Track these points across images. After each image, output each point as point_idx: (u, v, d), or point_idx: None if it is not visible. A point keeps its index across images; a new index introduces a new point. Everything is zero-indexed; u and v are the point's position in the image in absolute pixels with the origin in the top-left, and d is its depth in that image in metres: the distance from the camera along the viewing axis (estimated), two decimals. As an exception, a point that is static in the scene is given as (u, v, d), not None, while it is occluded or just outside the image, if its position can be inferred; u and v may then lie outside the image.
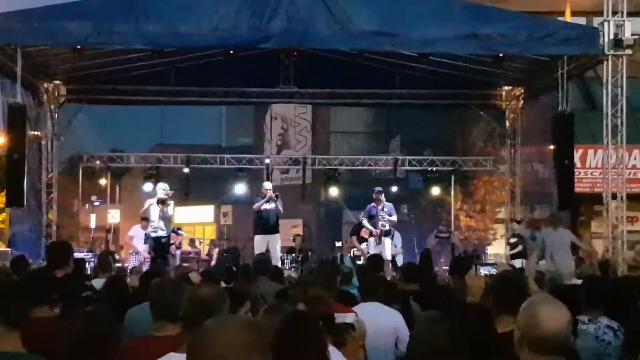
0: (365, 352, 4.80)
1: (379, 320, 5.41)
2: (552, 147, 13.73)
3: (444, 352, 3.54)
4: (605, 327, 4.87)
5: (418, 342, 3.78)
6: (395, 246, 15.96)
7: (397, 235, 16.20)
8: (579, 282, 7.00)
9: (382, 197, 15.68)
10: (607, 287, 5.68)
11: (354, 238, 16.67)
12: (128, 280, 8.15)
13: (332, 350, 4.12)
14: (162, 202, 14.26)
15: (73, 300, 4.93)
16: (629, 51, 12.05)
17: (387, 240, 15.28)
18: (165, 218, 14.57)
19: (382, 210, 15.44)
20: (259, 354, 1.91)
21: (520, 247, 14.67)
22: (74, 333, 3.99)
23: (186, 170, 18.20)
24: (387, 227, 15.34)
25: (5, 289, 3.69)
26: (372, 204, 15.70)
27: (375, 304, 5.81)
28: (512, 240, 15.61)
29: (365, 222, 15.67)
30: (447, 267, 11.45)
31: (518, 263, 13.74)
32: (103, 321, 4.13)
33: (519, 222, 15.70)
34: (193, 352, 1.95)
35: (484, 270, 12.07)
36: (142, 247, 15.15)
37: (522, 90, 16.07)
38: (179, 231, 17.72)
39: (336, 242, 18.50)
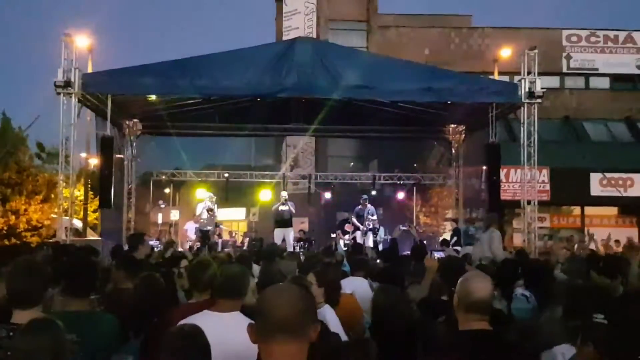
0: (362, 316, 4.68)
1: (361, 290, 5.36)
2: (484, 167, 13.79)
3: (393, 310, 3.64)
4: (521, 295, 4.88)
5: (376, 305, 3.86)
6: (381, 237, 15.96)
7: (382, 229, 16.22)
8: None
9: (367, 202, 15.73)
10: (522, 266, 5.71)
11: (339, 232, 16.74)
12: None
13: (327, 308, 4.12)
14: (210, 210, 14.71)
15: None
16: (539, 100, 12.13)
17: (370, 234, 15.37)
18: (212, 217, 14.93)
19: (368, 212, 15.51)
20: (310, 314, 1.87)
21: (455, 238, 14.68)
22: (140, 297, 4.02)
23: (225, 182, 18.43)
24: (372, 226, 15.44)
25: (80, 269, 3.59)
26: (359, 206, 15.74)
27: (360, 279, 5.80)
28: (451, 234, 15.68)
29: (354, 219, 15.73)
30: (408, 252, 11.40)
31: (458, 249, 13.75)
32: (162, 288, 4.14)
33: (455, 220, 15.79)
34: (260, 310, 1.84)
35: (437, 255, 12.09)
36: (193, 237, 15.54)
37: (464, 127, 16.11)
38: (221, 226, 17.79)
39: (332, 234, 18.54)
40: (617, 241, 16.13)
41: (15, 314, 2.85)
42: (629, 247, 10.29)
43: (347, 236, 16.00)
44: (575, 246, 12.86)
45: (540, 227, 14.93)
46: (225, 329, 2.92)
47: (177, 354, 2.46)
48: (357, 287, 5.33)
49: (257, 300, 1.97)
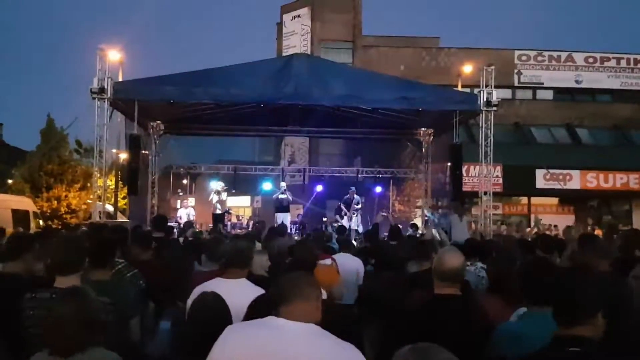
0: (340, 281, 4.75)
1: (348, 264, 5.36)
2: (449, 164, 13.76)
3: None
4: (480, 268, 4.89)
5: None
6: (357, 222, 15.89)
7: (358, 217, 16.13)
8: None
9: (354, 193, 15.68)
10: (480, 245, 5.73)
11: (337, 216, 16.67)
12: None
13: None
14: (217, 192, 14.57)
15: (165, 249, 4.85)
16: (494, 108, 12.12)
17: (354, 218, 15.33)
18: (221, 203, 14.87)
19: (354, 201, 15.46)
20: (317, 288, 2.11)
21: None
22: (165, 269, 3.96)
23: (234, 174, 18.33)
24: (357, 213, 15.40)
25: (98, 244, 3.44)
26: (347, 196, 15.66)
27: (347, 254, 5.78)
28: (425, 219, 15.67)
29: (342, 206, 15.68)
30: (387, 234, 11.37)
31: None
32: (184, 261, 4.09)
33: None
34: (282, 288, 2.09)
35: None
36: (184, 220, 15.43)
37: (432, 130, 16.03)
38: (230, 211, 17.68)
39: (323, 218, 18.48)
40: (555, 226, 16.28)
41: (57, 280, 2.84)
42: (568, 230, 10.30)
43: (343, 221, 15.93)
44: (530, 230, 12.87)
45: (494, 214, 14.99)
46: (230, 293, 2.89)
47: (203, 320, 2.40)
48: (345, 260, 5.32)
49: (281, 281, 2.18)
